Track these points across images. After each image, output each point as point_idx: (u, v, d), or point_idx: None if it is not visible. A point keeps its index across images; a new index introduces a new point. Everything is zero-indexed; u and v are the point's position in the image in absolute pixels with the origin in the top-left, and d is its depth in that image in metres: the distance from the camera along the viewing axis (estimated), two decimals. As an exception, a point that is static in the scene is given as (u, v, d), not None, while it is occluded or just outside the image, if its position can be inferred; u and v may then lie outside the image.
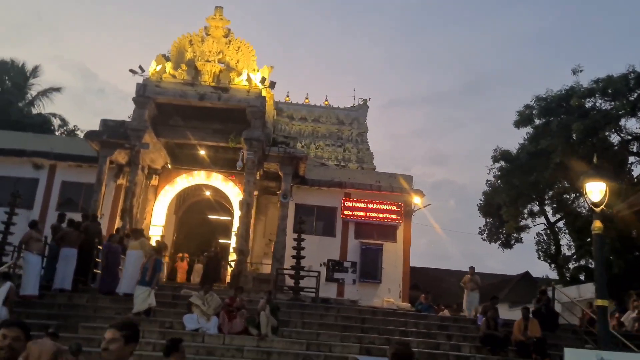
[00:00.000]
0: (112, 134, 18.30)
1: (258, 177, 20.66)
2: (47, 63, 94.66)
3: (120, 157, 19.06)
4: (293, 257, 15.23)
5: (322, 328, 11.21)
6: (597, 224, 6.41)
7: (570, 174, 17.51)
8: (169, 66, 18.69)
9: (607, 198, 6.37)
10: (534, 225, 28.55)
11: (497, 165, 22.15)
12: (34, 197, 19.80)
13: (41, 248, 10.66)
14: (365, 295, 19.60)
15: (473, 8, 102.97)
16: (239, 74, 18.94)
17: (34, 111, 35.66)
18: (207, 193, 21.63)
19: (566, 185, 20.21)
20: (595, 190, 6.44)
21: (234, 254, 18.05)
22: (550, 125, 19.43)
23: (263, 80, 18.63)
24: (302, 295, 14.31)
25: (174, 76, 18.58)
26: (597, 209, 6.45)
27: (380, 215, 20.81)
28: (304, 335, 10.84)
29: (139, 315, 10.51)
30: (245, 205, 17.74)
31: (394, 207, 20.87)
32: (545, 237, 29.02)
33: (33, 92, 36.59)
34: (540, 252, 29.00)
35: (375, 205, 20.86)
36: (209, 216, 23.16)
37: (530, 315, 11.16)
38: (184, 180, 20.68)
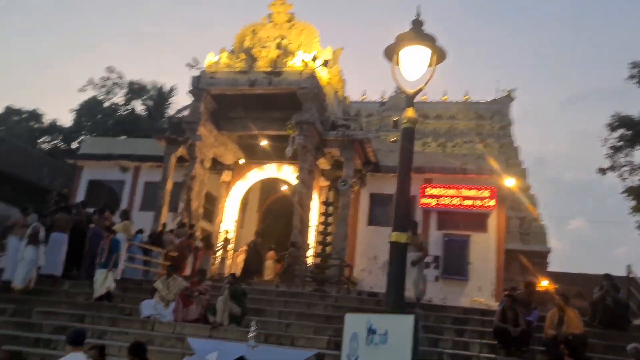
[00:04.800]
0: (175, 130, 18.42)
1: (328, 167, 19.26)
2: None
3: (191, 153, 19.01)
4: (320, 243, 13.48)
5: (300, 318, 9.45)
6: (409, 113, 3.89)
7: None
8: (224, 56, 18.33)
9: (432, 76, 3.83)
10: None
11: (616, 134, 17.57)
12: (120, 198, 20.78)
13: (24, 234, 10.58)
14: (450, 293, 16.89)
15: None
16: (295, 57, 17.86)
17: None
18: (284, 188, 20.70)
19: None
20: (412, 61, 3.89)
21: (312, 249, 16.81)
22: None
23: (314, 59, 17.28)
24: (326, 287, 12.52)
25: (230, 66, 18.18)
26: (412, 91, 3.92)
27: (467, 202, 17.88)
28: (272, 325, 9.19)
29: (102, 300, 9.85)
30: (297, 194, 16.46)
31: (484, 193, 17.81)
32: None
33: (171, 110, 39.72)
34: None
35: (460, 191, 18.02)
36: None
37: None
38: (254, 175, 20.08)
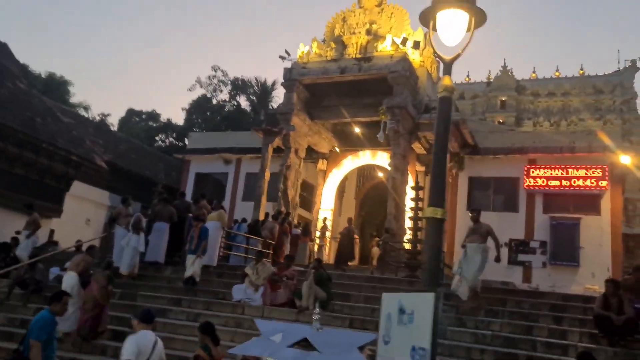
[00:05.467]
0: (271, 121, 18.90)
1: (423, 151, 18.81)
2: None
3: (288, 144, 19.42)
4: (411, 229, 13.17)
5: (385, 304, 9.30)
6: (446, 81, 3.50)
7: None
8: (315, 46, 18.47)
9: (470, 41, 3.40)
10: None
11: None
12: (225, 189, 21.77)
13: (129, 223, 11.41)
14: (559, 280, 15.84)
15: None
16: (385, 41, 17.57)
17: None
18: (380, 174, 20.53)
19: None
20: (450, 26, 3.49)
21: (407, 234, 16.62)
22: None
23: (404, 41, 16.87)
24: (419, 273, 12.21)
25: (320, 55, 18.29)
26: (448, 58, 3.52)
27: (576, 182, 16.61)
28: (357, 310, 9.16)
29: (186, 284, 10.38)
30: (391, 180, 16.25)
31: (595, 172, 16.44)
32: None
33: (274, 104, 40.79)
34: None
35: (568, 172, 16.78)
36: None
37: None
38: (349, 162, 20.10)
